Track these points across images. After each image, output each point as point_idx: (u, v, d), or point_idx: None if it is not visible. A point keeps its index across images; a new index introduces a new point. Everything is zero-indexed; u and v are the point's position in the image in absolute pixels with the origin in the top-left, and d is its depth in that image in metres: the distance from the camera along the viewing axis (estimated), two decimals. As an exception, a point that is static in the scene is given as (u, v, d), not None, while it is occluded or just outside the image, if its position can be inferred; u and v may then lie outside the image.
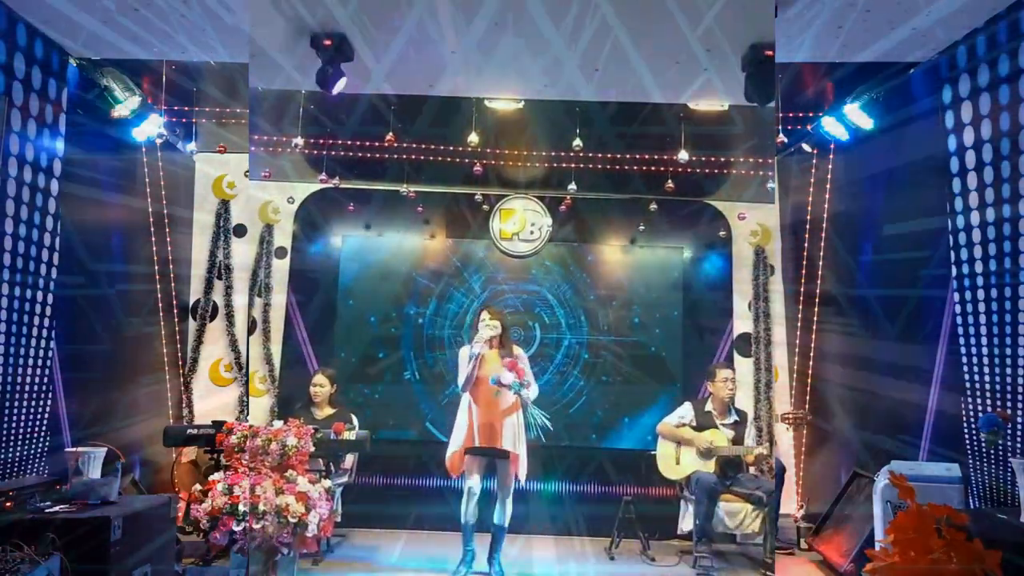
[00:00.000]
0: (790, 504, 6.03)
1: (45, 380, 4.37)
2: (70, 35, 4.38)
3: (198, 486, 4.05)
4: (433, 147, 5.93)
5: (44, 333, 4.35)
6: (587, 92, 4.95)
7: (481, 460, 4.78)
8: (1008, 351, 3.77)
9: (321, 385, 5.57)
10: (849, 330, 5.76)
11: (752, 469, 5.26)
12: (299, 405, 5.69)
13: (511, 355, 4.82)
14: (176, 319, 6.28)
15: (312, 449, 4.32)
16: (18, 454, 4.15)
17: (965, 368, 4.10)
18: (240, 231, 6.54)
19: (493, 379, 4.69)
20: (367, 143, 5.91)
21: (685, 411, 5.43)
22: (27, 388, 4.23)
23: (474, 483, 4.75)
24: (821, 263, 6.09)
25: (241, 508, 3.86)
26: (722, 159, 5.97)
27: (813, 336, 6.13)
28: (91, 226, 5.08)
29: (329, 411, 5.55)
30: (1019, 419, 3.66)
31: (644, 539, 5.49)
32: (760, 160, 6.01)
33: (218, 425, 4.37)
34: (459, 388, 4.87)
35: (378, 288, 6.48)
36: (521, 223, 6.54)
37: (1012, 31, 3.71)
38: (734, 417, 5.40)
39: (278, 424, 4.41)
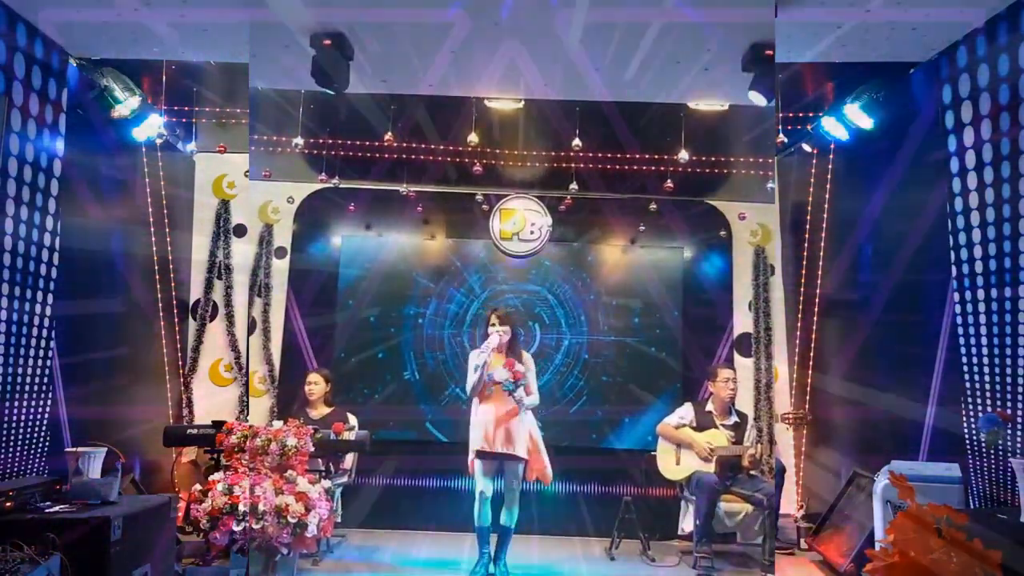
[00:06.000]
0: (790, 504, 6.03)
1: (45, 380, 4.37)
2: (70, 35, 4.38)
3: (198, 486, 4.05)
4: (433, 147, 5.93)
5: (44, 333, 4.35)
6: (587, 92, 4.95)
7: (490, 463, 4.74)
8: (1008, 351, 3.76)
9: (315, 383, 5.57)
10: (849, 330, 5.76)
11: (753, 470, 5.25)
12: (296, 406, 5.70)
13: (519, 358, 4.76)
14: (176, 319, 6.28)
15: (312, 449, 4.32)
16: (18, 454, 4.15)
17: (965, 368, 4.10)
18: (240, 231, 6.54)
19: (488, 375, 4.66)
20: (367, 143, 5.91)
21: (685, 411, 5.42)
22: (27, 388, 4.23)
23: (485, 486, 4.71)
24: (821, 263, 6.09)
25: (241, 508, 3.87)
26: (722, 159, 5.97)
27: (813, 336, 6.13)
28: (91, 226, 5.08)
29: (325, 410, 5.55)
30: (1019, 419, 3.66)
31: (644, 539, 5.49)
32: (760, 160, 6.01)
33: (218, 425, 4.38)
34: (466, 394, 4.83)
35: (378, 288, 6.47)
36: (521, 223, 6.53)
37: (1012, 31, 3.71)
38: (734, 418, 5.39)
39: (278, 424, 4.41)
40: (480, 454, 4.70)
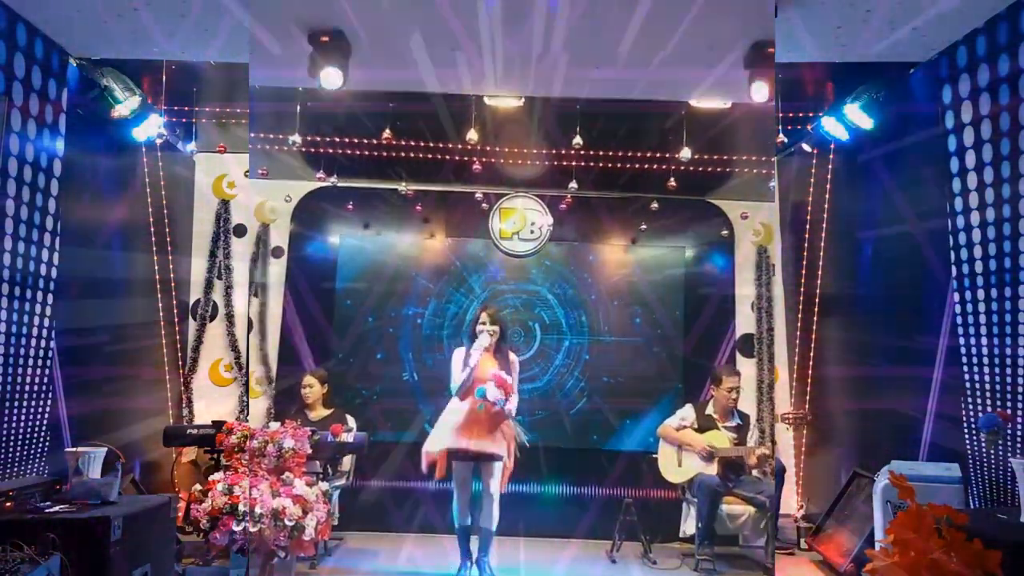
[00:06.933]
0: (790, 504, 6.03)
1: (45, 380, 4.37)
2: (70, 35, 4.39)
3: (198, 486, 4.05)
4: (432, 145, 5.92)
5: (44, 333, 4.35)
6: (587, 90, 4.94)
7: (467, 463, 4.70)
8: (1008, 351, 3.76)
9: (310, 386, 5.56)
10: (849, 330, 5.76)
11: (755, 471, 5.24)
12: (294, 409, 5.68)
13: (506, 361, 4.70)
14: (176, 319, 6.28)
15: (309, 451, 4.31)
16: (18, 454, 4.15)
17: (965, 368, 4.10)
18: (240, 231, 6.53)
19: (479, 392, 4.50)
20: (365, 141, 5.90)
21: (686, 413, 5.41)
22: (27, 388, 4.23)
23: (463, 487, 4.70)
24: (821, 263, 6.09)
25: (241, 508, 3.86)
26: (724, 158, 5.96)
27: (813, 336, 6.13)
28: (91, 226, 5.08)
29: (324, 412, 5.54)
30: (1019, 419, 3.66)
31: (645, 542, 5.47)
32: (761, 159, 6.00)
33: (218, 425, 4.38)
34: (452, 392, 4.72)
35: (376, 288, 6.45)
36: (521, 222, 6.52)
37: (1012, 31, 3.71)
38: (736, 420, 5.37)
39: (275, 426, 4.41)
40: (456, 454, 4.60)
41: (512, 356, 4.84)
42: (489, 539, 4.74)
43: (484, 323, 4.70)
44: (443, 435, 4.64)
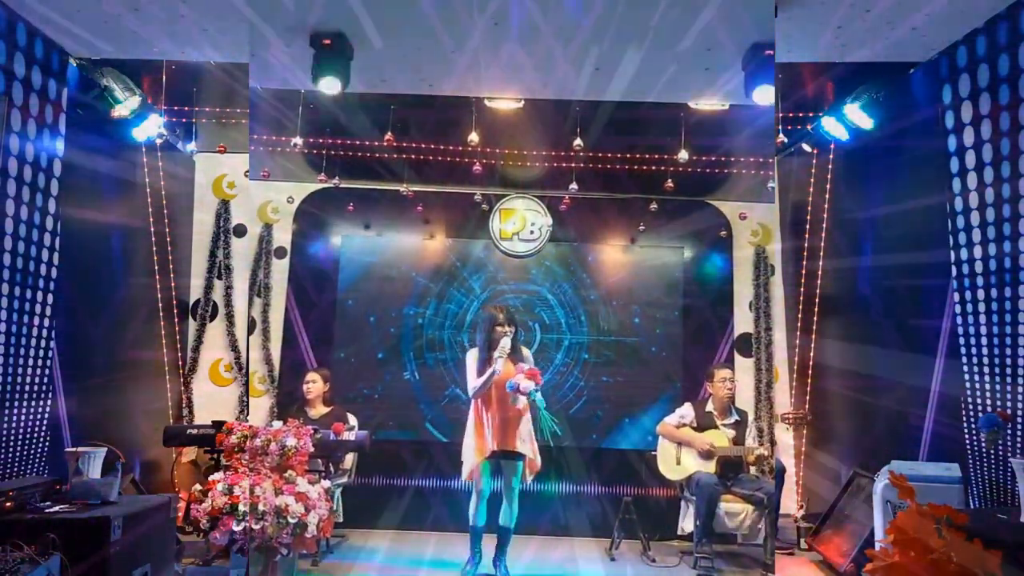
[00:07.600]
0: (790, 504, 6.03)
1: (45, 380, 4.37)
2: (70, 35, 4.39)
3: (198, 486, 4.05)
4: (433, 146, 5.92)
5: (44, 333, 4.35)
6: (587, 91, 4.95)
7: (490, 462, 4.70)
8: (1008, 351, 3.77)
9: (313, 382, 5.58)
10: (849, 330, 5.76)
11: (753, 470, 5.25)
12: (295, 406, 5.69)
13: (521, 358, 4.69)
14: (176, 319, 6.28)
15: (311, 449, 4.32)
16: (18, 454, 4.16)
17: (965, 369, 4.10)
18: (240, 231, 6.54)
19: (511, 385, 4.49)
20: (367, 143, 5.90)
21: (686, 411, 5.43)
22: (27, 388, 4.23)
23: (484, 485, 4.68)
24: (821, 263, 6.10)
25: (241, 508, 3.86)
26: (723, 158, 5.96)
27: (813, 336, 6.13)
28: (91, 226, 5.08)
29: (324, 410, 5.55)
30: (1019, 419, 3.66)
31: (644, 540, 5.49)
32: (761, 159, 6.00)
33: (218, 425, 4.37)
34: (469, 395, 4.72)
35: (378, 288, 6.48)
36: (521, 223, 6.53)
37: (1012, 31, 3.72)
38: (735, 417, 5.39)
39: (277, 424, 4.41)
40: (496, 454, 4.62)
41: (525, 351, 4.84)
42: (508, 538, 4.75)
43: (501, 325, 4.64)
44: (482, 440, 4.64)
